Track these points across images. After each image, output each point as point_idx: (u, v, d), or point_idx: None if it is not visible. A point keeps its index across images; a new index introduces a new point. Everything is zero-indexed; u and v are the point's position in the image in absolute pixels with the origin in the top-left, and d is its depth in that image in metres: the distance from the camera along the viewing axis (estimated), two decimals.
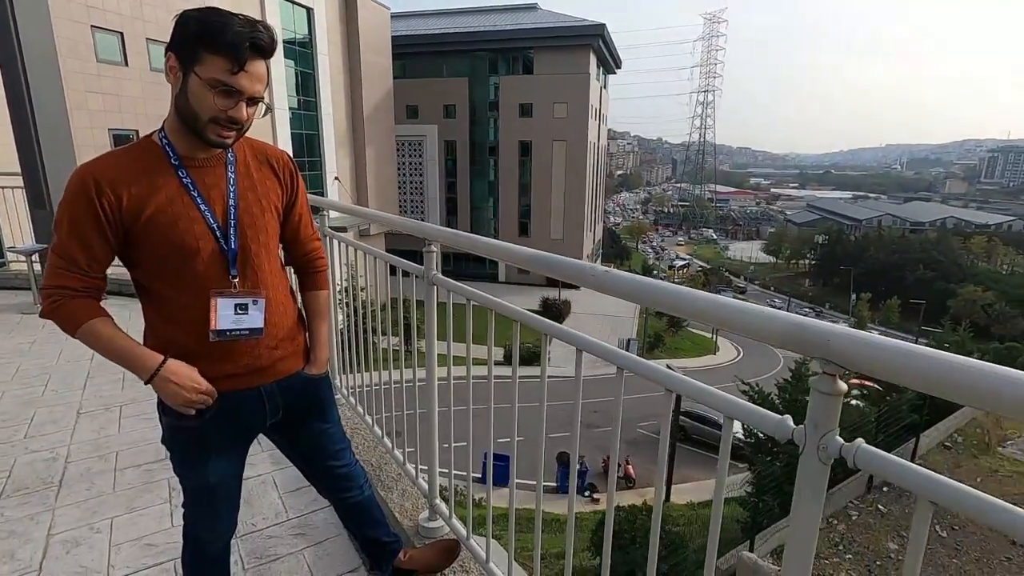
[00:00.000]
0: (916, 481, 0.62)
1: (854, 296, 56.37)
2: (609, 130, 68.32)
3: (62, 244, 1.21)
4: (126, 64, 17.50)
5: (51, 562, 1.99)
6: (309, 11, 26.12)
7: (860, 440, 0.66)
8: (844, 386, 0.69)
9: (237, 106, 1.22)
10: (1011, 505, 0.55)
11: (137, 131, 17.60)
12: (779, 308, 58.47)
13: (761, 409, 0.78)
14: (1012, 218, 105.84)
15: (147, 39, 17.87)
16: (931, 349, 0.61)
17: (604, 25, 40.20)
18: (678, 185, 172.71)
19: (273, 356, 1.41)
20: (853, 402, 14.85)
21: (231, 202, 1.31)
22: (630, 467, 17.89)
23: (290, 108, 25.99)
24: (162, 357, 1.26)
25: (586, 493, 16.75)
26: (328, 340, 1.60)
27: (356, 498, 1.68)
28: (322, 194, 28.67)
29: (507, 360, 1.61)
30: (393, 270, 2.05)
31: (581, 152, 41.77)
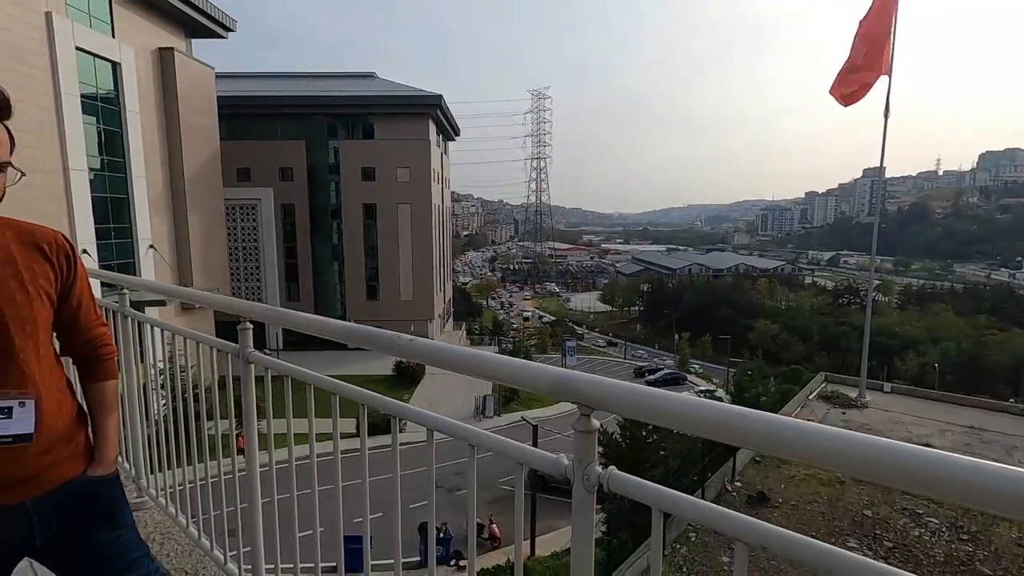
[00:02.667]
0: (649, 496, 0.77)
1: (676, 336, 63.82)
2: (453, 192, 70.92)
3: None
4: None
5: None
6: (115, 65, 23.70)
7: (612, 468, 0.80)
8: (597, 423, 0.84)
9: None
10: (703, 501, 0.71)
11: None
12: (617, 351, 63.89)
13: (542, 452, 0.91)
14: (783, 263, 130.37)
15: None
16: (650, 388, 0.78)
17: (441, 96, 42.45)
18: (521, 243, 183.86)
19: (43, 463, 1.24)
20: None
21: None
22: (494, 526, 17.68)
23: (91, 169, 22.87)
24: None
25: (451, 562, 16.10)
26: (117, 436, 1.44)
27: None
28: (133, 264, 25.25)
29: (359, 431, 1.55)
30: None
31: (426, 214, 42.61)
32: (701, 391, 33.64)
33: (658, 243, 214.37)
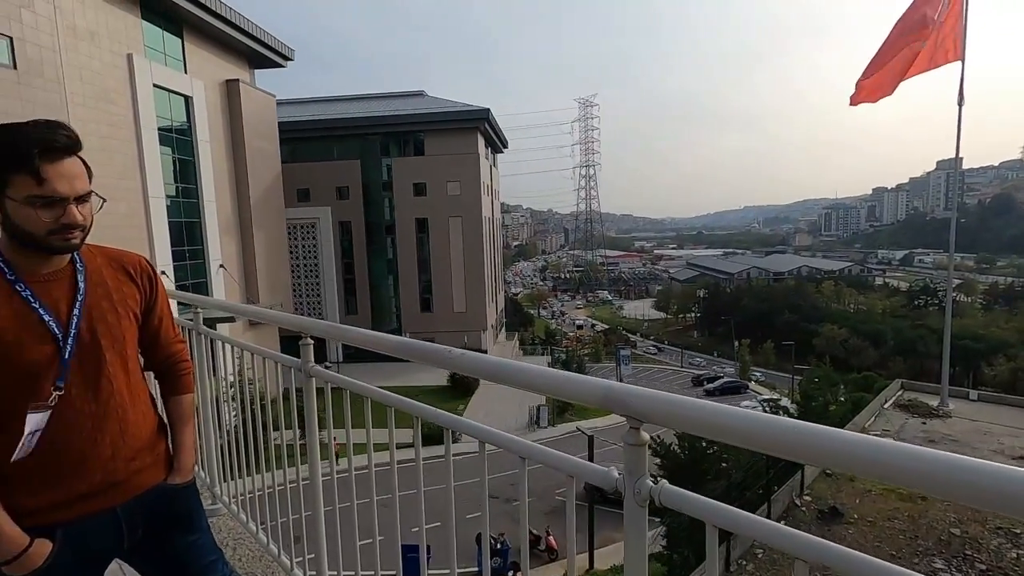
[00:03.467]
0: (702, 511, 0.76)
1: (736, 343, 61.49)
2: (502, 204, 71.64)
3: None
4: None
5: None
6: (187, 99, 25.51)
7: (664, 481, 0.79)
8: (647, 437, 0.83)
9: (67, 212, 1.20)
10: (759, 517, 0.69)
11: None
12: (673, 359, 62.07)
13: (592, 465, 0.91)
14: (850, 264, 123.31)
15: None
16: (700, 401, 0.77)
17: (488, 110, 43.11)
18: (571, 252, 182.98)
19: (131, 468, 1.34)
20: None
21: (75, 312, 1.27)
22: (551, 538, 17.51)
23: (168, 196, 24.64)
24: (26, 541, 1.19)
25: (509, 573, 16.04)
26: (194, 446, 1.54)
27: None
28: (205, 283, 26.87)
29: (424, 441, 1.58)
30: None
31: (477, 226, 43.18)
32: (764, 400, 32.23)
33: (713, 247, 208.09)
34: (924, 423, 12.70)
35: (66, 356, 1.24)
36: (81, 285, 1.30)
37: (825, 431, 0.62)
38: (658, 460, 13.63)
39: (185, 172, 25.81)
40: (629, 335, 76.91)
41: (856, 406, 16.23)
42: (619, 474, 0.85)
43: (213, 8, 25.42)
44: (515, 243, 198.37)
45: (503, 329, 57.71)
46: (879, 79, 10.61)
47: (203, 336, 2.41)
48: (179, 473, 1.46)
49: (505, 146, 55.41)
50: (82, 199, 1.24)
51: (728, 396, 40.24)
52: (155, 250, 23.24)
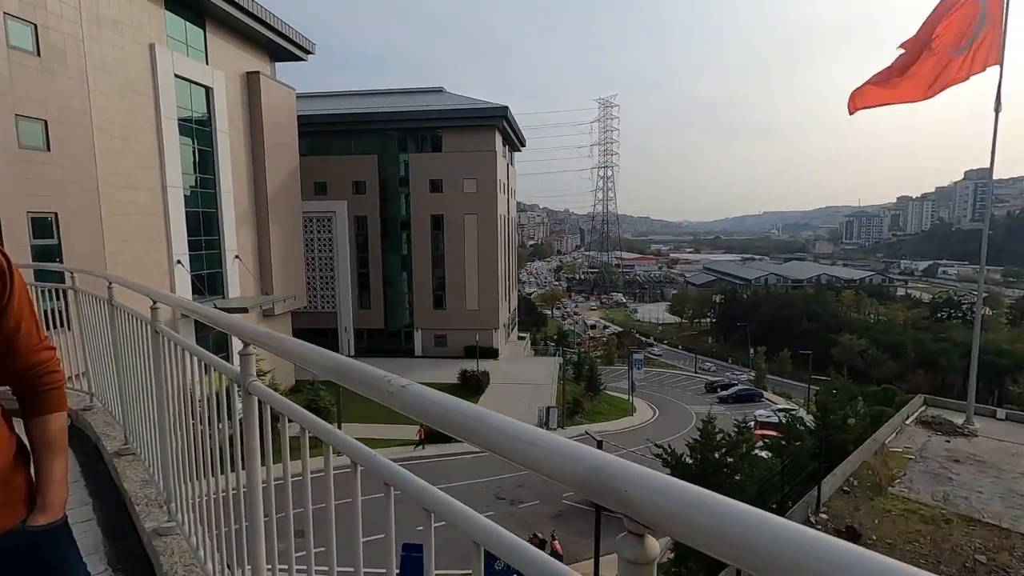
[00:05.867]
0: None
1: (752, 350, 60.46)
2: (518, 203, 71.33)
3: None
4: None
5: None
6: (208, 90, 25.61)
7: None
8: (656, 549, 0.54)
9: None
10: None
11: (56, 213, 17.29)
12: (686, 364, 61.22)
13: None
14: (871, 273, 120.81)
15: (16, 115, 16.48)
16: (737, 506, 0.47)
17: (507, 107, 42.80)
18: (587, 253, 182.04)
19: None
20: (762, 454, 15.45)
21: None
22: (556, 542, 17.20)
23: (189, 186, 24.78)
24: None
25: None
26: (64, 478, 1.25)
27: None
28: (221, 274, 27.00)
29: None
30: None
31: (492, 224, 42.93)
32: (780, 409, 31.51)
33: (731, 252, 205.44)
34: (948, 441, 12.19)
35: None
36: None
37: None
38: (667, 470, 13.25)
39: (204, 162, 25.94)
40: (643, 338, 76.13)
41: (876, 420, 15.67)
42: None
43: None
44: (530, 242, 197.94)
45: (515, 328, 57.40)
46: (888, 86, 10.24)
47: (160, 335, 2.15)
48: (43, 512, 1.18)
49: (523, 144, 55.06)
50: None
51: (743, 404, 39.49)
52: (172, 239, 23.36)
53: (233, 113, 27.43)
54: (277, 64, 32.04)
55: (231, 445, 1.76)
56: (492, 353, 41.94)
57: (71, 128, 17.88)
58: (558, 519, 18.82)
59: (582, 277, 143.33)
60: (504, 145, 47.41)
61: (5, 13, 15.97)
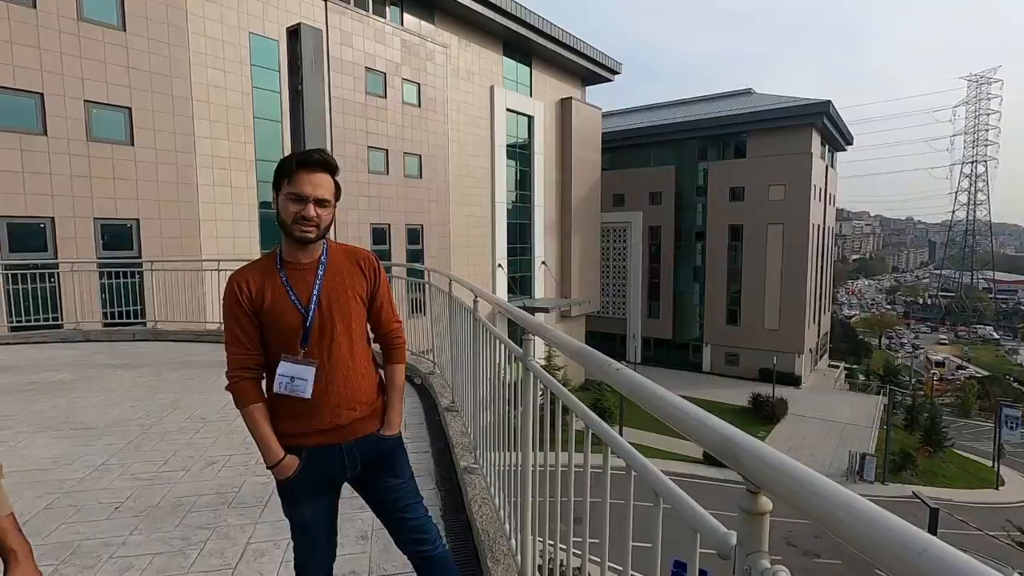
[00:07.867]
0: None
1: None
2: (840, 210, 61.18)
3: (230, 333, 1.68)
4: (387, 173, 22.04)
5: (243, 565, 2.55)
6: (530, 119, 29.81)
7: (783, 571, 0.62)
8: (768, 504, 0.66)
9: (305, 207, 1.61)
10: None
11: (390, 224, 21.92)
12: None
13: (712, 520, 0.77)
14: None
15: (404, 153, 22.35)
16: (837, 486, 0.58)
17: (829, 102, 37.39)
18: (938, 272, 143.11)
19: (351, 416, 1.73)
20: None
21: (315, 293, 1.68)
22: None
23: (511, 201, 29.37)
24: (282, 454, 1.68)
25: None
26: (400, 408, 1.86)
27: (428, 553, 1.84)
28: (530, 277, 31.03)
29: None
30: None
31: (802, 235, 38.12)
32: None
33: None
34: None
35: (308, 325, 1.67)
36: (320, 274, 1.72)
37: None
38: None
39: (523, 181, 30.28)
40: (1022, 388, 56.24)
41: None
42: (735, 541, 0.71)
43: (558, 37, 28.98)
44: (854, 257, 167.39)
45: (825, 355, 49.55)
46: None
47: (478, 322, 2.89)
48: (387, 427, 1.79)
49: (849, 143, 47.17)
50: (321, 203, 1.65)
51: None
52: (496, 246, 28.01)
53: (547, 136, 31.22)
54: (588, 88, 35.00)
55: (519, 422, 2.29)
56: (793, 380, 37.18)
57: (435, 160, 23.34)
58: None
59: (929, 302, 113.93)
60: (823, 145, 41.51)
61: (403, 79, 21.81)
